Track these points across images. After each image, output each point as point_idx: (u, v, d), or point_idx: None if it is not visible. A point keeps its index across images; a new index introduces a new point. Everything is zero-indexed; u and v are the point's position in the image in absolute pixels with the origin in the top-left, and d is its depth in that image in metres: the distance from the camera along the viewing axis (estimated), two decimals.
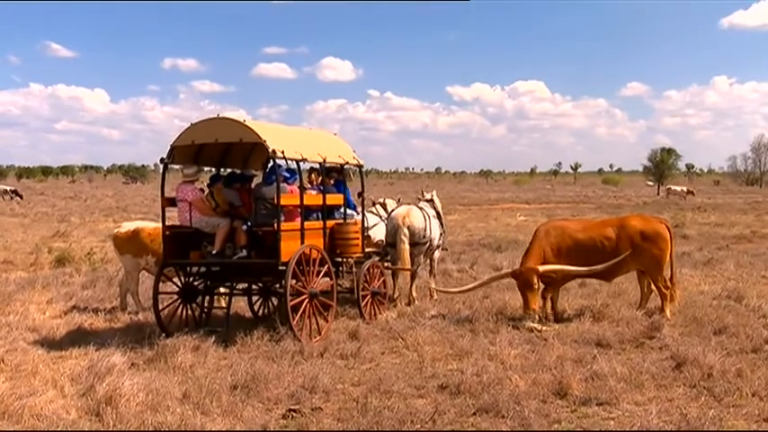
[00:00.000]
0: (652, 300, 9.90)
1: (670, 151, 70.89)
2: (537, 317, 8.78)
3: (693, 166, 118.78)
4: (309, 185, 9.65)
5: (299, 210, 8.77)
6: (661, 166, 68.96)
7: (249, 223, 8.76)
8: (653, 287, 9.77)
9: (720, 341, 7.87)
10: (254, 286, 9.60)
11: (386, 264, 10.79)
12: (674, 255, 9.87)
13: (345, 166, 10.04)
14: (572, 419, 5.66)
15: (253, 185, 9.32)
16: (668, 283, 9.47)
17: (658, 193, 59.97)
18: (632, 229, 9.41)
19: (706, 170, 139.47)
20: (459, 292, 10.44)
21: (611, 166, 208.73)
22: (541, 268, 8.93)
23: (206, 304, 9.37)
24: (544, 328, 8.69)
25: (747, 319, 8.81)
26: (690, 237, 21.03)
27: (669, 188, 52.37)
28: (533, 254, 9.32)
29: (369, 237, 10.76)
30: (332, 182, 10.07)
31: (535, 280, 8.84)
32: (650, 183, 73.05)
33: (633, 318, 8.93)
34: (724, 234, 22.22)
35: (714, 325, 8.55)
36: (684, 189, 52.47)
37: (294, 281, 8.36)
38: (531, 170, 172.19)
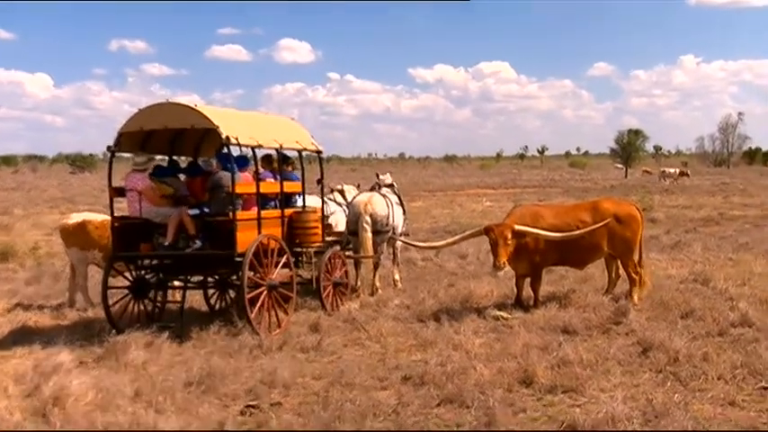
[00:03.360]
0: (619, 285, 10.09)
1: (637, 133, 71.98)
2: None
3: (661, 148, 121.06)
4: (265, 172, 9.60)
5: (256, 198, 8.72)
6: (628, 148, 69.99)
7: (206, 210, 8.69)
8: (621, 272, 9.95)
9: (687, 325, 8.07)
10: (209, 279, 9.53)
11: (347, 253, 10.81)
12: (642, 238, 10.06)
13: (304, 153, 10.00)
14: (537, 408, 5.77)
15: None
16: (638, 268, 9.65)
17: (626, 176, 61.01)
18: (606, 213, 9.54)
19: (674, 152, 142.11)
20: (428, 247, 10.60)
21: (578, 149, 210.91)
22: (517, 227, 9.01)
23: (159, 299, 9.29)
24: (510, 316, 8.80)
25: (714, 303, 9.04)
26: (657, 220, 21.43)
27: (663, 170, 52.68)
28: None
29: (329, 225, 10.75)
30: (290, 168, 10.04)
31: (509, 235, 8.91)
32: (619, 165, 74.16)
33: (600, 303, 9.10)
34: (692, 217, 22.71)
35: (681, 309, 8.75)
36: (677, 171, 53.00)
37: (251, 272, 8.32)
38: (497, 154, 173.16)
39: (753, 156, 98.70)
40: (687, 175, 51.27)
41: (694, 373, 6.33)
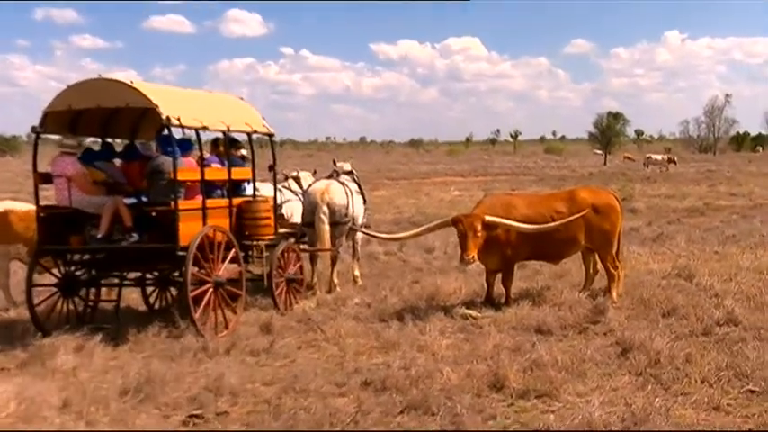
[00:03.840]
0: (597, 281, 10.23)
1: (617, 116, 73.05)
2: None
3: (643, 133, 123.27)
4: (210, 157, 9.53)
5: (200, 186, 8.65)
6: (608, 132, 70.95)
7: (144, 199, 8.60)
8: (599, 267, 10.10)
9: (669, 324, 8.23)
10: (148, 275, 9.44)
11: (302, 246, 10.79)
12: (621, 231, 10.22)
13: (254, 136, 9.94)
14: (508, 414, 5.82)
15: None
16: (617, 262, 9.80)
17: (605, 163, 61.87)
18: (584, 203, 9.63)
19: (656, 137, 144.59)
20: (391, 239, 10.64)
21: (553, 134, 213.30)
22: (487, 217, 9.07)
23: (91, 297, 9.17)
24: (479, 314, 8.87)
25: (698, 300, 9.21)
26: (638, 210, 21.81)
27: (649, 157, 53.32)
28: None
29: (282, 216, 10.71)
30: (239, 153, 9.98)
31: (479, 227, 8.97)
32: (598, 151, 75.19)
33: (576, 301, 9.21)
34: (675, 207, 23.17)
35: (663, 307, 8.91)
36: (665, 157, 53.69)
37: (196, 268, 8.27)
38: (467, 139, 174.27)
39: (740, 141, 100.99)
40: (674, 161, 51.93)
41: (676, 376, 6.45)
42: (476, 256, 9.03)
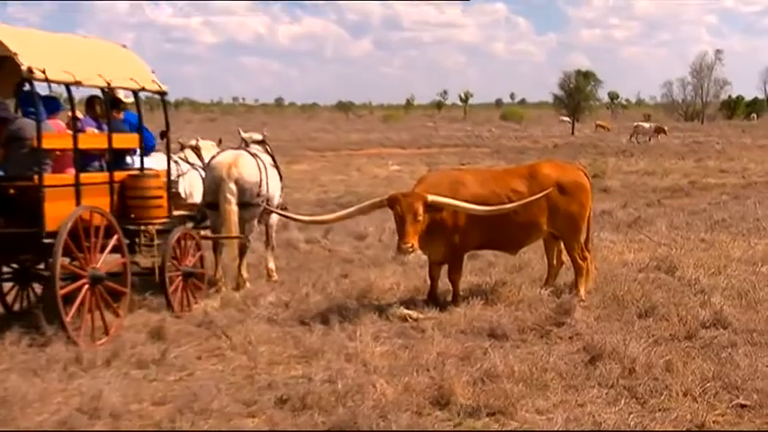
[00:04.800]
0: (561, 274, 10.40)
1: (588, 75, 74.01)
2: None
3: (618, 96, 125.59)
4: (86, 120, 9.36)
5: (73, 156, 8.50)
6: (576, 95, 71.90)
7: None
8: (564, 257, 10.26)
9: (646, 326, 8.43)
10: (5, 268, 9.27)
11: (204, 233, 10.71)
12: (591, 214, 10.39)
13: (141, 94, 9.80)
14: None
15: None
16: (586, 253, 9.97)
17: (572, 133, 62.86)
18: (547, 180, 9.74)
19: (634, 101, 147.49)
20: (313, 222, 10.72)
21: (512, 96, 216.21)
22: (431, 197, 9.10)
23: None
24: (421, 315, 8.93)
25: (681, 297, 9.46)
26: (612, 190, 22.25)
27: (637, 125, 54.07)
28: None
29: (178, 194, 10.59)
30: (121, 116, 9.81)
31: (420, 208, 9.00)
32: (565, 118, 76.28)
33: (537, 299, 9.36)
34: (655, 186, 23.68)
35: (639, 305, 9.11)
36: (653, 126, 54.57)
37: (66, 259, 8.17)
38: (407, 102, 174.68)
39: (733, 107, 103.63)
40: (664, 131, 52.99)
41: (654, 388, 6.59)
42: (416, 245, 9.07)
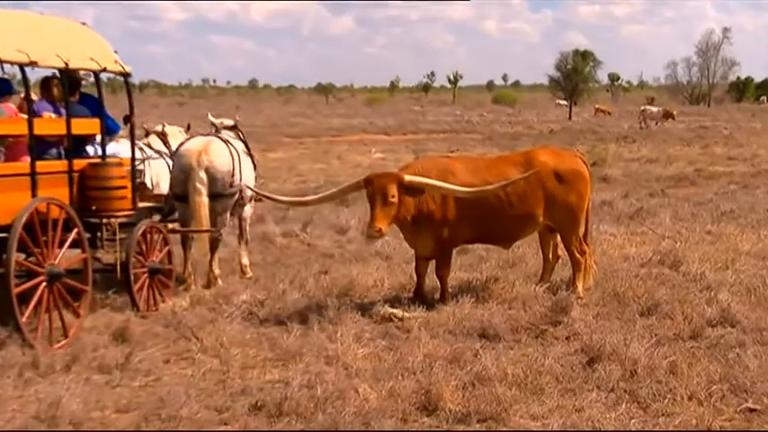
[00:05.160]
0: (558, 270, 10.42)
1: (586, 55, 74.15)
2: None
3: (618, 78, 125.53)
4: (41, 103, 9.31)
5: (28, 142, 8.46)
6: (574, 77, 72.08)
7: None
8: (560, 252, 10.28)
9: (649, 325, 8.47)
10: None
11: (171, 226, 10.70)
12: (590, 205, 10.40)
13: (103, 75, 9.76)
14: None
15: None
16: (584, 246, 10.00)
17: (570, 117, 63.00)
18: (544, 168, 9.74)
19: (636, 83, 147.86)
20: (295, 203, 10.88)
21: (504, 78, 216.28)
22: (408, 177, 9.10)
23: None
24: (407, 314, 8.94)
25: (686, 293, 9.50)
26: (612, 179, 22.30)
27: (644, 109, 53.94)
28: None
29: (143, 185, 10.56)
30: (77, 98, 9.75)
31: (394, 189, 9.00)
32: (561, 102, 76.43)
33: (531, 296, 9.39)
34: (658, 174, 23.74)
35: (641, 303, 9.15)
36: (661, 110, 54.46)
37: (22, 255, 8.13)
38: (392, 84, 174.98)
39: (742, 89, 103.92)
40: (673, 116, 52.89)
41: (657, 392, 6.63)
42: (385, 229, 9.09)
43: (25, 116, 8.59)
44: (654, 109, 55.31)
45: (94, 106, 9.73)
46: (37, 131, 8.57)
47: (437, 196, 9.37)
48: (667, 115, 52.67)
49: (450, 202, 9.38)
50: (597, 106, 69.63)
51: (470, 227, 9.60)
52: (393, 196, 9.00)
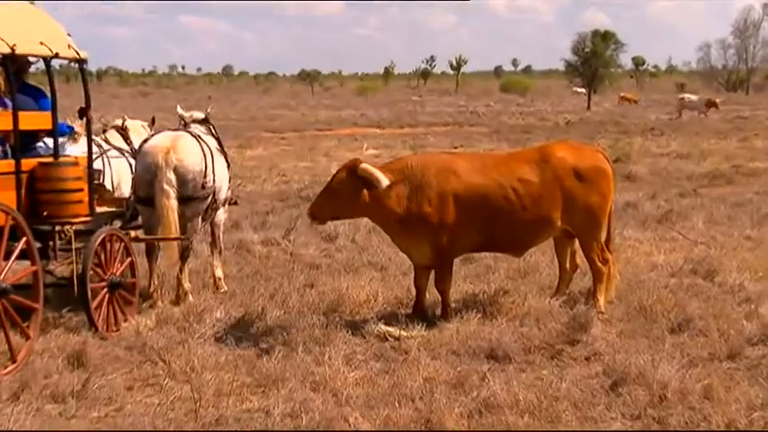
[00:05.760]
0: (576, 281, 10.42)
1: (607, 37, 74.20)
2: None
3: (644, 62, 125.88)
4: None
5: None
6: (593, 61, 72.03)
7: None
8: (579, 260, 10.26)
9: (680, 343, 8.45)
10: None
11: (135, 234, 10.66)
12: (613, 207, 10.37)
13: (55, 61, 9.75)
14: None
15: None
16: (606, 254, 9.97)
17: (588, 107, 63.06)
18: (562, 166, 9.73)
19: (664, 67, 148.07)
20: None
21: (514, 63, 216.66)
22: (363, 165, 9.21)
23: None
24: (404, 333, 8.93)
25: (722, 307, 9.50)
26: (637, 177, 22.29)
27: (682, 98, 53.65)
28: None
29: (102, 187, 10.54)
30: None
31: (342, 176, 9.23)
32: (579, 89, 76.45)
33: (546, 311, 9.37)
34: (690, 172, 23.75)
35: (671, 318, 9.14)
36: (703, 98, 54.18)
37: None
38: (386, 70, 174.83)
39: None
40: (716, 105, 52.47)
41: (690, 419, 6.62)
42: (321, 217, 9.49)
43: None
44: (694, 97, 54.79)
45: (38, 97, 9.70)
46: None
47: (433, 195, 9.35)
48: (710, 104, 52.15)
49: (450, 203, 9.34)
50: (622, 94, 69.62)
51: (475, 233, 9.55)
52: (340, 183, 9.24)
